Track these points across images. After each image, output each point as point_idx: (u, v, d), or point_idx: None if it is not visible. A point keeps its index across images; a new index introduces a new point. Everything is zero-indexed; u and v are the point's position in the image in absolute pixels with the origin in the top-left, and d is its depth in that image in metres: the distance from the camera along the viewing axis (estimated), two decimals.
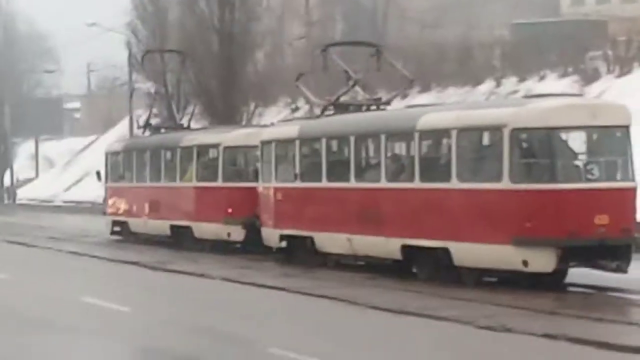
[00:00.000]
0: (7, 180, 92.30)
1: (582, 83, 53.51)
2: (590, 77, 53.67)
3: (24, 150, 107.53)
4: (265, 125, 38.32)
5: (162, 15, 60.74)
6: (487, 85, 58.87)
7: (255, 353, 16.84)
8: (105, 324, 20.40)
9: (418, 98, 62.01)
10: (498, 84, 58.33)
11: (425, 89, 62.39)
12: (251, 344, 17.68)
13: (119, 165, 44.42)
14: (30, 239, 44.81)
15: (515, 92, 56.63)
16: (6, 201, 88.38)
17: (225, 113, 52.13)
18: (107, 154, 45.50)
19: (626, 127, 23.95)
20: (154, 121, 45.45)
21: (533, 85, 55.98)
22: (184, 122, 46.65)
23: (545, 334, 17.56)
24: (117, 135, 67.52)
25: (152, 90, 58.15)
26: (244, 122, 50.46)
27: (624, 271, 23.12)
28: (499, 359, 17.08)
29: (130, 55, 64.50)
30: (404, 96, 63.29)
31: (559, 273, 23.68)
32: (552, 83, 54.99)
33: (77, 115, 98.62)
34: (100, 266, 33.58)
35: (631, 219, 23.71)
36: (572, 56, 55.19)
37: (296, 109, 69.75)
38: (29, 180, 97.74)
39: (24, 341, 18.59)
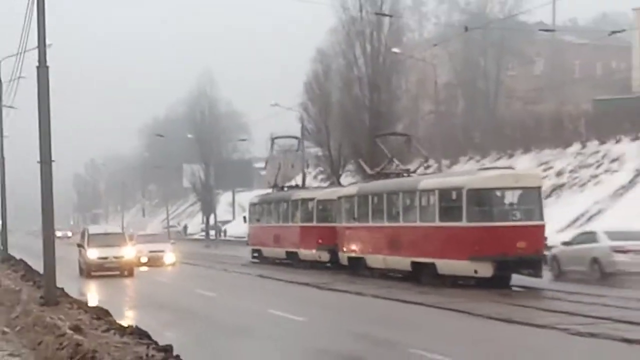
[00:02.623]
0: (211, 222, 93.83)
1: None
2: None
3: (224, 199, 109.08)
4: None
5: (326, 97, 61.15)
6: (575, 147, 58.02)
7: (398, 353, 16.86)
8: (287, 330, 20.57)
9: (521, 157, 61.54)
10: (583, 147, 57.46)
11: (527, 150, 61.78)
12: (396, 346, 17.68)
13: (256, 212, 50.47)
14: (228, 265, 45.66)
15: (596, 152, 55.75)
16: (212, 237, 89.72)
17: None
18: (249, 205, 52.92)
19: (538, 188, 29.63)
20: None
21: (611, 146, 55.04)
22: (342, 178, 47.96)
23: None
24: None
25: (319, 154, 58.77)
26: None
27: (539, 276, 28.35)
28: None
29: (302, 127, 65.18)
30: (510, 156, 62.97)
31: (505, 278, 28.26)
32: (626, 145, 54.03)
33: (263, 172, 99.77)
34: (281, 286, 33.90)
35: (541, 244, 28.88)
36: None
37: (428, 166, 69.63)
38: (227, 222, 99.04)
39: (226, 344, 18.91)
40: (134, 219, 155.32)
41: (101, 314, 19.39)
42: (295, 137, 58.88)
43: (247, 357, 17.40)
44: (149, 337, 15.67)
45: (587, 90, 71.45)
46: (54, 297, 22.21)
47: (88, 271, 39.69)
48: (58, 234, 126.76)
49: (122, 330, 16.45)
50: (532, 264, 28.13)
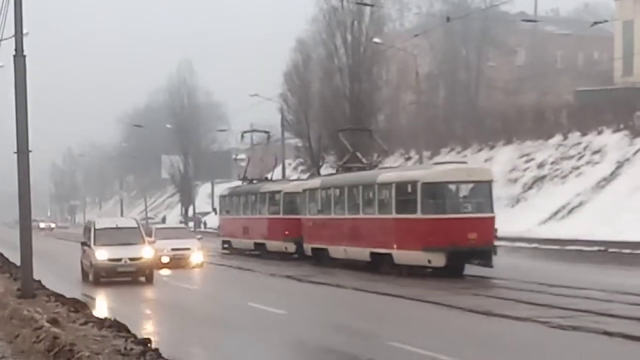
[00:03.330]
0: (190, 213, 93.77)
1: (631, 136, 52.67)
2: (637, 131, 52.80)
3: (203, 191, 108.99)
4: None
5: (306, 88, 61.19)
6: (557, 139, 58.17)
7: (378, 346, 16.88)
8: (267, 323, 20.56)
9: (503, 149, 61.73)
10: (565, 138, 57.62)
11: (508, 141, 61.95)
12: (376, 338, 17.71)
13: (226, 204, 51.70)
14: (208, 258, 45.44)
15: (578, 144, 55.92)
16: (191, 229, 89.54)
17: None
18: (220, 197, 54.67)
19: (489, 182, 30.62)
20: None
21: (593, 138, 55.22)
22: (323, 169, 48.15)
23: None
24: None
25: (299, 145, 58.82)
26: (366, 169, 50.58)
27: (490, 266, 29.50)
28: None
29: (282, 117, 65.15)
30: (492, 147, 63.16)
31: (458, 268, 29.74)
32: (608, 137, 54.22)
33: (243, 164, 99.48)
34: (260, 278, 33.88)
35: (491, 235, 29.96)
36: (623, 115, 54.35)
37: (409, 158, 69.74)
38: (207, 214, 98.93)
39: (204, 334, 18.91)
40: (112, 209, 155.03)
41: (79, 306, 19.35)
42: (265, 132, 59.25)
43: (228, 349, 17.38)
44: (127, 330, 15.65)
45: (568, 81, 71.73)
46: (31, 289, 22.16)
47: (96, 277, 31.42)
48: (41, 224, 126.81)
49: (101, 323, 16.43)
50: (483, 254, 29.59)
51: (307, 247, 38.77)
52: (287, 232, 41.25)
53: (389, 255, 31.44)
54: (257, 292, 27.73)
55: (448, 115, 73.01)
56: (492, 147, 63.40)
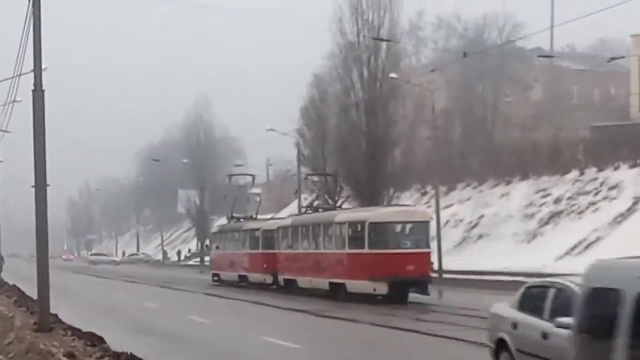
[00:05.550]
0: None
1: None
2: None
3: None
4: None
5: (322, 123, 61.34)
6: (573, 174, 58.08)
7: None
8: (283, 358, 20.50)
9: (519, 184, 61.65)
10: (581, 173, 57.53)
11: (525, 177, 61.87)
12: None
13: (216, 240, 57.80)
14: (224, 291, 45.56)
15: (595, 179, 55.81)
16: (207, 263, 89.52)
17: (370, 197, 52.33)
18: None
19: (426, 222, 36.01)
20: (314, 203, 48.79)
21: (609, 173, 55.12)
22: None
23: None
24: (289, 213, 68.13)
25: (316, 179, 58.84)
26: (385, 203, 50.68)
27: (427, 294, 34.32)
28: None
29: (298, 152, 65.28)
30: (508, 182, 63.11)
31: (402, 296, 34.23)
32: (625, 172, 54.12)
33: (258, 198, 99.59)
34: (276, 313, 33.85)
35: (428, 268, 35.65)
36: None
37: (425, 193, 69.72)
38: None
39: None
40: (128, 243, 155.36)
41: (95, 340, 19.37)
42: (251, 175, 65.61)
43: None
44: None
45: (585, 117, 71.62)
46: (47, 323, 22.20)
47: None
48: (63, 256, 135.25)
49: (117, 357, 16.45)
50: (420, 284, 34.46)
51: (281, 278, 43.67)
52: (265, 265, 45.97)
53: (343, 284, 36.37)
54: (271, 326, 27.70)
55: (464, 150, 73.04)
56: (508, 183, 63.34)
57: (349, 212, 40.33)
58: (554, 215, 55.38)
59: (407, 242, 35.17)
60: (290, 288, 42.10)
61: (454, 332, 23.52)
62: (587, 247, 49.00)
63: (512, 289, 32.31)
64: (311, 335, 25.61)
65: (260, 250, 47.41)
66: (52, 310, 23.31)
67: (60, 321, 24.37)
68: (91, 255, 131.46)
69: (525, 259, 48.95)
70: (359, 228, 35.67)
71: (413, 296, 34.58)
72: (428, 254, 35.66)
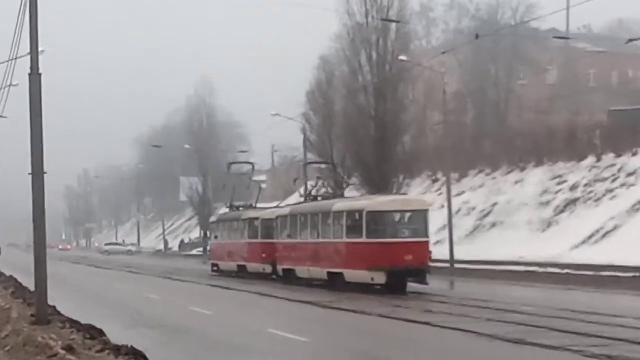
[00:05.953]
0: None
1: None
2: None
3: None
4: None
5: (329, 107, 61.20)
6: (590, 160, 58.02)
7: None
8: (289, 350, 20.51)
9: (534, 171, 61.58)
10: (598, 159, 57.44)
11: (540, 163, 61.82)
12: None
13: (215, 230, 58.23)
14: (225, 282, 45.75)
15: (612, 165, 55.71)
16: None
17: (379, 184, 52.28)
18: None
19: (425, 210, 36.26)
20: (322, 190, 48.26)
21: (627, 159, 55.01)
22: (347, 192, 48.61)
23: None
24: (295, 201, 68.11)
25: (323, 166, 58.77)
26: (394, 191, 50.65)
27: (425, 284, 35.05)
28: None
29: (305, 138, 65.20)
30: (522, 169, 63.03)
31: (401, 286, 34.93)
32: None
33: (264, 185, 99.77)
34: (282, 304, 33.87)
35: (426, 257, 35.39)
36: None
37: (436, 180, 69.66)
38: None
39: None
40: (128, 233, 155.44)
41: (95, 333, 19.36)
42: (250, 163, 66.61)
43: None
44: (145, 357, 15.65)
45: (602, 101, 71.53)
46: (45, 315, 22.17)
47: None
48: (60, 246, 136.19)
49: (117, 350, 16.44)
50: (418, 273, 35.13)
51: (280, 268, 44.28)
52: (264, 255, 46.62)
53: (341, 274, 37.07)
54: (277, 318, 27.69)
55: (477, 135, 72.97)
56: (522, 169, 63.27)
57: (347, 201, 40.79)
58: (570, 203, 55.32)
59: (405, 231, 35.68)
60: (289, 278, 42.64)
61: (466, 324, 23.49)
62: (604, 236, 48.96)
63: (526, 280, 32.55)
64: (319, 328, 25.57)
65: (259, 240, 48.02)
66: (50, 302, 23.25)
67: (59, 313, 24.36)
68: (106, 245, 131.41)
69: (540, 249, 48.92)
70: (357, 217, 36.27)
71: (415, 286, 35.08)
72: (426, 243, 36.00)
